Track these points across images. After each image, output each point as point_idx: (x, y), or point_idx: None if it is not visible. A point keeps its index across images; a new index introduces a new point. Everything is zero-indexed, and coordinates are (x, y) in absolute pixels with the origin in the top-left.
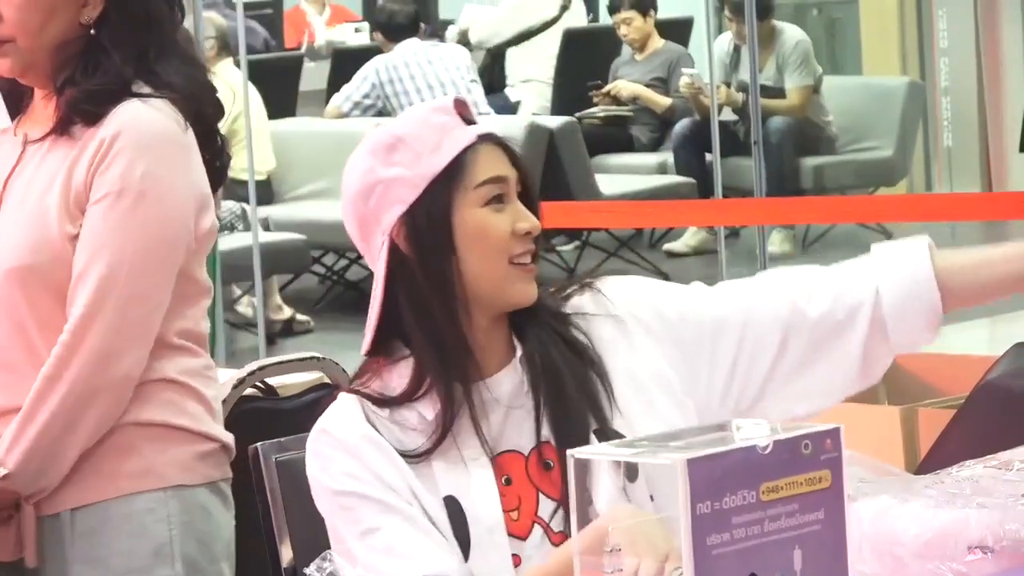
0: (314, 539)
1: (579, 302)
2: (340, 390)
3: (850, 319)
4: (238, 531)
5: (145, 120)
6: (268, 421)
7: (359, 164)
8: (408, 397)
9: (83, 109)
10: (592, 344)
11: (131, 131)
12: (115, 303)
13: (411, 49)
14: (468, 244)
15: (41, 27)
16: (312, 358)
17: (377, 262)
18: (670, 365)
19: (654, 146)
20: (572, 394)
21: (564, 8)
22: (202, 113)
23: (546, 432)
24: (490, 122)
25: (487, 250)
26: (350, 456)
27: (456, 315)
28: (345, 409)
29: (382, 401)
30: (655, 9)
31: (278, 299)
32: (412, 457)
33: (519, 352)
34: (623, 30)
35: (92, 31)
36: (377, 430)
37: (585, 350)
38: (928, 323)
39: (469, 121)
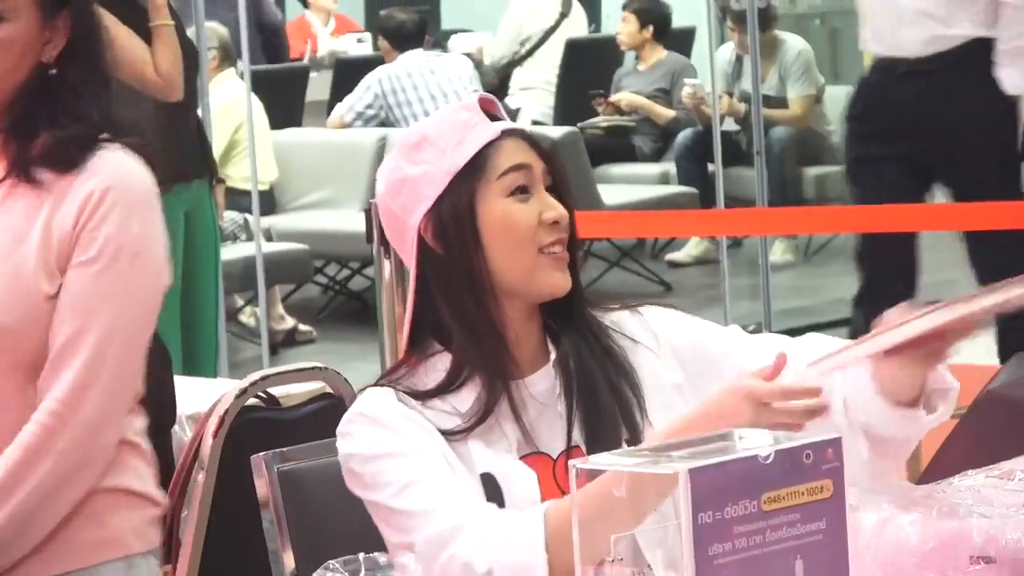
0: (316, 549)
1: (618, 317)
2: (342, 400)
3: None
4: (240, 542)
5: (134, 173)
6: (270, 431)
7: (387, 164)
8: (444, 389)
9: (60, 156)
10: (626, 354)
11: (122, 186)
12: (111, 370)
13: (414, 59)
14: (494, 235)
15: (7, 72)
16: (314, 368)
17: (410, 260)
18: (693, 395)
19: (656, 156)
20: (605, 401)
21: (563, 16)
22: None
23: (577, 437)
24: None
25: (514, 240)
26: (384, 429)
27: (490, 310)
28: (377, 395)
29: (416, 394)
30: (653, 24)
31: (280, 309)
32: (449, 434)
33: (553, 354)
34: (618, 27)
35: (53, 70)
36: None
37: (620, 360)
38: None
39: (495, 118)
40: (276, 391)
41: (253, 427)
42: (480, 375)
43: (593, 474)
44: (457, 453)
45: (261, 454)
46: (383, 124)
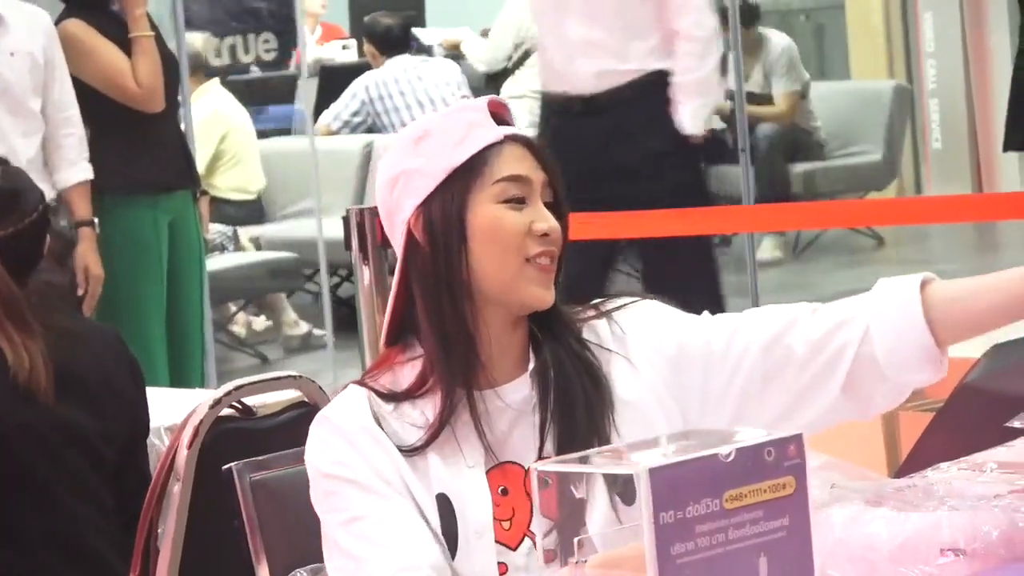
0: (290, 559)
1: (595, 327)
2: (318, 408)
3: (836, 359)
4: (217, 552)
5: None
6: (245, 441)
7: (389, 154)
8: (411, 394)
9: None
10: (603, 369)
11: None
12: None
13: (401, 65)
14: (481, 240)
15: None
16: (288, 377)
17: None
18: (669, 394)
19: None
20: (580, 415)
21: None
22: None
23: (549, 448)
24: None
25: (500, 247)
26: (346, 443)
27: (465, 314)
28: (350, 400)
29: (388, 396)
30: None
31: (292, 314)
32: (407, 451)
33: (532, 364)
34: None
35: None
36: (378, 423)
37: (597, 374)
38: (923, 360)
39: (501, 121)
40: (255, 401)
41: (228, 437)
42: (443, 384)
43: (554, 476)
44: (416, 468)
45: (234, 464)
46: (371, 130)
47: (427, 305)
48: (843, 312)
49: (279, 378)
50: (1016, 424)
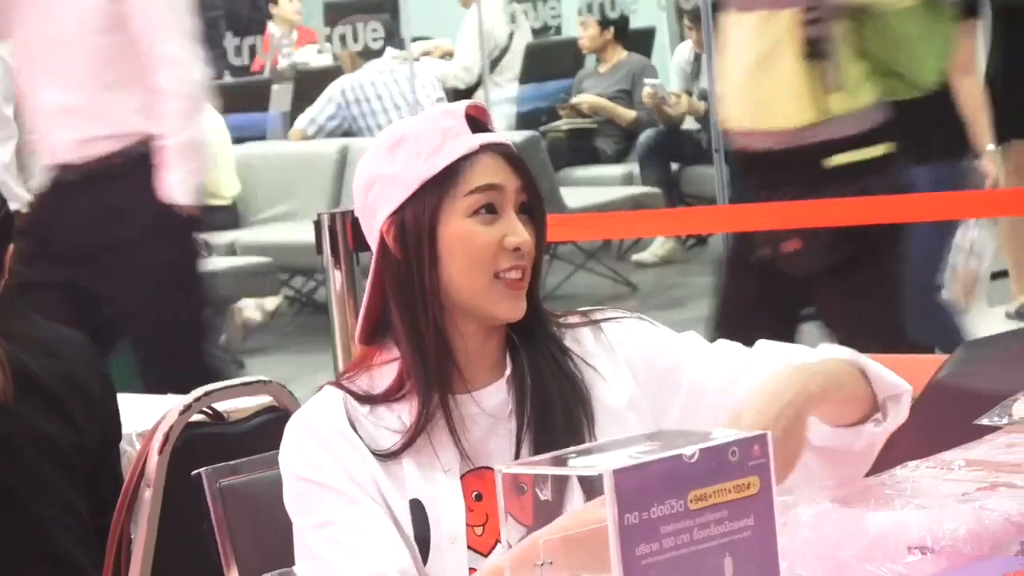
0: (260, 563)
1: (579, 334)
2: (289, 413)
3: None
4: (189, 557)
5: None
6: (216, 446)
7: (367, 157)
8: (387, 397)
9: None
10: (583, 378)
11: None
12: None
13: (377, 68)
14: (452, 253)
15: None
16: (259, 382)
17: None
18: (650, 410)
19: (619, 157)
20: (557, 422)
21: (511, 35)
22: None
23: (525, 454)
24: None
25: (470, 262)
26: (320, 446)
27: (439, 321)
28: (325, 401)
29: (364, 398)
30: (614, 27)
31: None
32: (382, 456)
33: (509, 369)
34: (579, 31)
35: None
36: (353, 426)
37: (577, 382)
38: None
39: (480, 129)
40: (226, 406)
41: (198, 443)
42: (419, 390)
43: (518, 478)
44: (390, 473)
45: (204, 469)
46: (346, 134)
47: (400, 312)
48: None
49: (249, 383)
50: (985, 422)
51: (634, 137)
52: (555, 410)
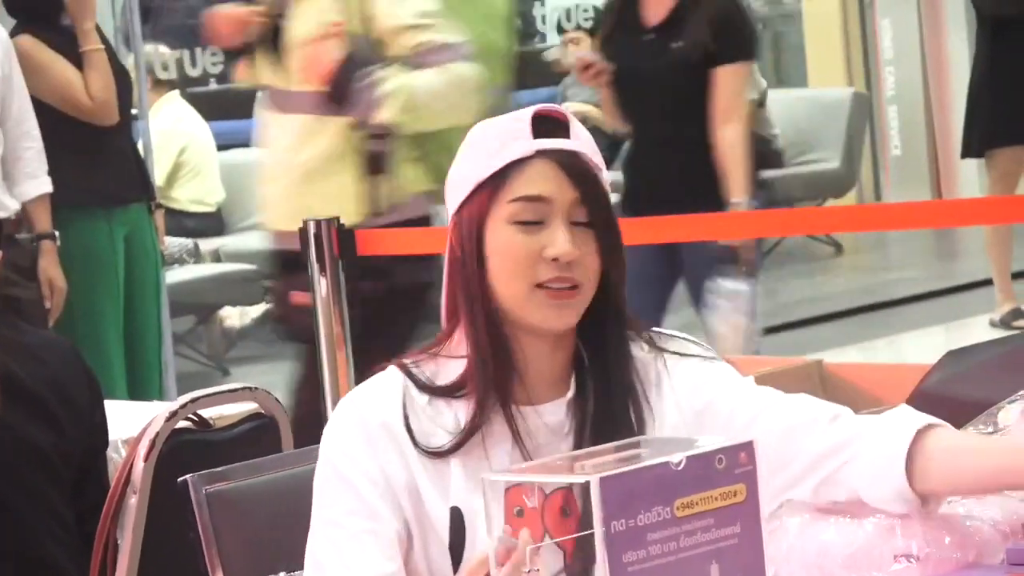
0: (247, 571)
1: (647, 361)
2: (274, 420)
3: (824, 477)
4: (174, 564)
5: None
6: (202, 453)
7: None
8: (449, 392)
9: None
10: (642, 412)
11: None
12: None
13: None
14: (494, 259)
15: None
16: (245, 389)
17: None
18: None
19: (605, 165)
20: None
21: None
22: None
23: None
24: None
25: (509, 269)
26: (363, 438)
27: (496, 326)
28: (384, 386)
29: (426, 387)
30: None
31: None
32: (431, 453)
33: (572, 391)
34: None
35: None
36: (407, 418)
37: (640, 413)
38: (897, 499)
39: (547, 134)
40: (212, 413)
41: (184, 450)
42: (476, 392)
43: (505, 486)
44: (436, 474)
45: (189, 476)
46: None
47: (463, 314)
48: (848, 432)
49: (235, 390)
50: (970, 430)
51: (619, 145)
52: (612, 440)
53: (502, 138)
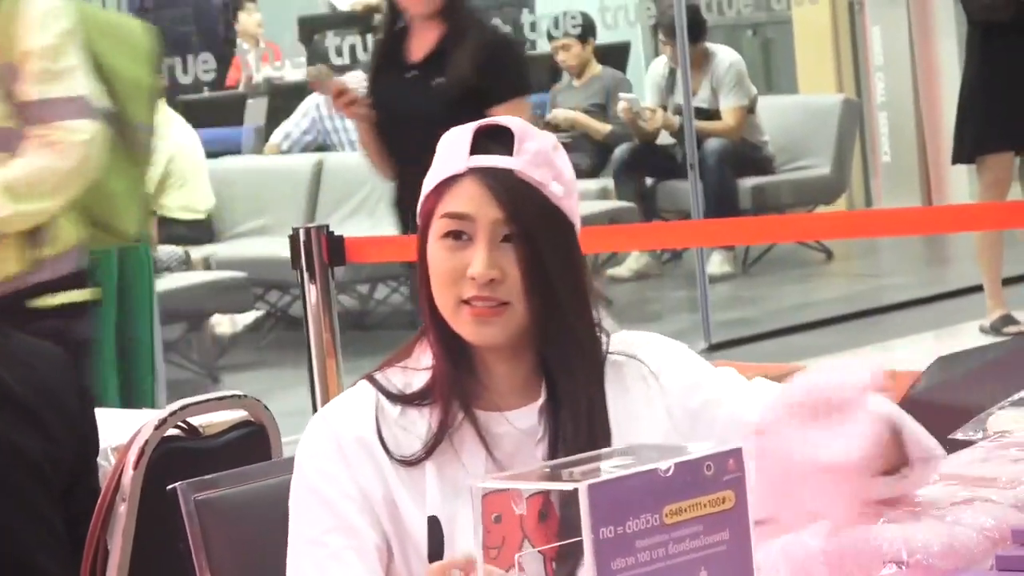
0: None
1: (621, 362)
2: (264, 428)
3: None
4: (164, 572)
5: None
6: (191, 461)
7: None
8: (417, 400)
9: None
10: (618, 414)
11: None
12: None
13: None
14: (431, 271)
15: None
16: (234, 396)
17: None
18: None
19: (594, 172)
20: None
21: None
22: None
23: None
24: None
25: (438, 284)
26: (337, 454)
27: (454, 334)
28: (356, 400)
29: (396, 397)
30: (594, 36)
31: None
32: (406, 462)
33: (543, 397)
34: (561, 56)
35: None
36: (380, 430)
37: (600, 419)
38: None
39: (487, 149)
40: (201, 420)
41: (174, 457)
42: (441, 397)
43: (494, 493)
44: (411, 484)
45: (179, 483)
46: (320, 149)
47: (425, 321)
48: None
49: (224, 397)
50: (960, 436)
51: (609, 152)
52: (583, 446)
53: (448, 151)
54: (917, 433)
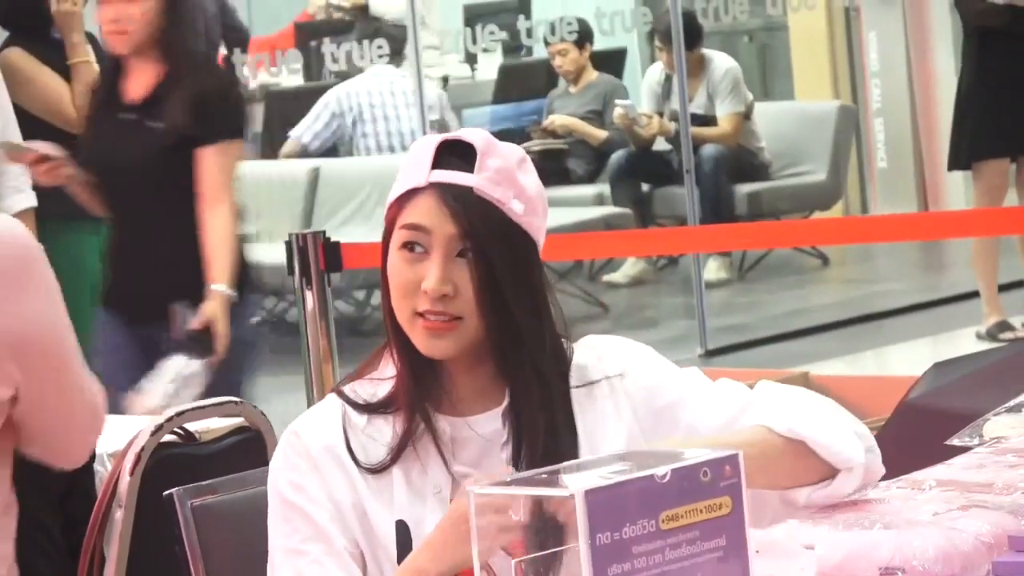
0: None
1: (585, 366)
2: (260, 434)
3: None
4: None
5: None
6: (187, 467)
7: None
8: (383, 408)
9: None
10: (575, 416)
11: None
12: None
13: (374, 75)
14: (390, 280)
15: None
16: (231, 402)
17: None
18: (645, 440)
19: (591, 178)
20: (551, 461)
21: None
22: None
23: None
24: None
25: (395, 295)
26: (308, 465)
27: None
28: (323, 412)
29: (362, 407)
30: (591, 42)
31: None
32: (373, 470)
33: (507, 401)
34: (558, 61)
35: None
36: (347, 440)
37: (565, 424)
38: None
39: (449, 164)
40: (197, 426)
41: (170, 463)
42: (405, 404)
43: (490, 498)
44: (378, 490)
45: (175, 489)
46: (336, 145)
47: (390, 324)
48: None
49: (221, 403)
50: (956, 442)
51: (605, 157)
52: (548, 449)
53: (412, 162)
54: (831, 447)
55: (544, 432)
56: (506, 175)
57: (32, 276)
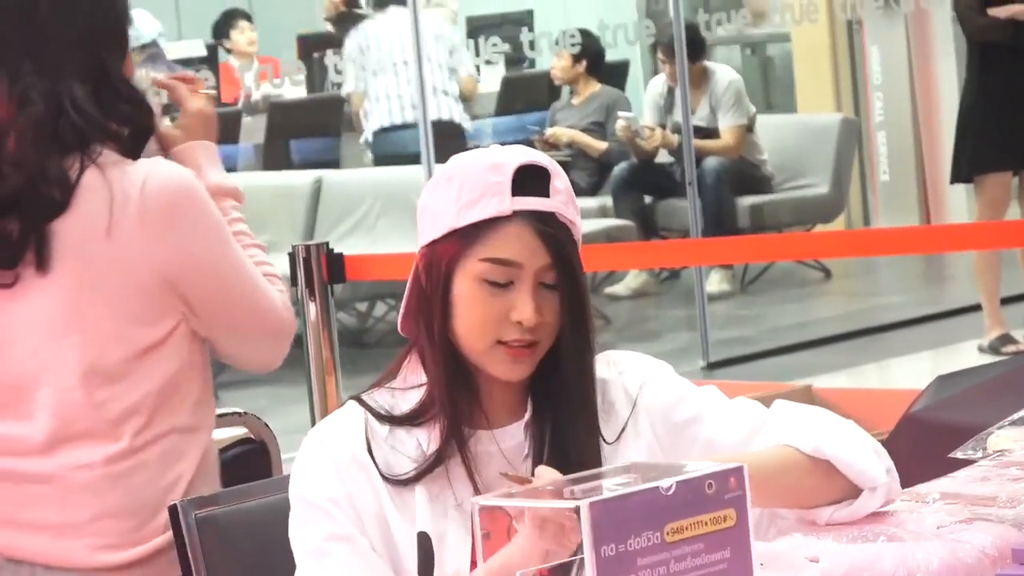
0: None
1: (606, 382)
2: (264, 444)
3: None
4: None
5: None
6: None
7: (432, 179)
8: (409, 421)
9: None
10: (603, 433)
11: None
12: None
13: (391, 21)
14: (460, 308)
15: None
16: (234, 413)
17: None
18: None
19: (593, 190)
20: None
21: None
22: None
23: None
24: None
25: (473, 325)
26: (333, 470)
27: (458, 362)
28: (346, 420)
29: (385, 418)
30: (589, 59)
31: None
32: (395, 482)
33: (529, 413)
34: (560, 73)
35: None
36: (370, 449)
37: (590, 440)
38: None
39: (525, 189)
40: None
41: None
42: (446, 420)
43: (495, 511)
44: (401, 502)
45: (179, 500)
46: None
47: (424, 346)
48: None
49: (224, 415)
50: (959, 455)
51: (608, 170)
52: (570, 462)
53: (481, 188)
54: (853, 466)
55: (567, 445)
56: (569, 194)
57: (187, 213)
